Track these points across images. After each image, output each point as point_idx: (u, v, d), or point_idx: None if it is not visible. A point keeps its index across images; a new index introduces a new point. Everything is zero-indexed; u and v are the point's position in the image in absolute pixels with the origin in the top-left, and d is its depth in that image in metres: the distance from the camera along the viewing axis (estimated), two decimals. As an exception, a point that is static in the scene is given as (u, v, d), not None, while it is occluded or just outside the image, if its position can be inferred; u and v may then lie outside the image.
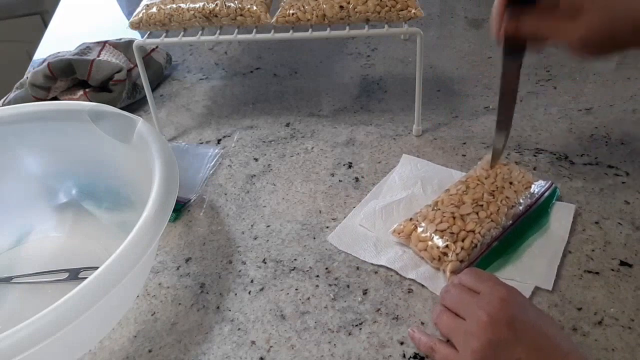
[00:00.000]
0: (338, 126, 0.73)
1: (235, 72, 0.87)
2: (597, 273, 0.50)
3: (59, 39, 1.02)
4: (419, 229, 0.53)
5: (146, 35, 0.68)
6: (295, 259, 0.55)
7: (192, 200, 0.62)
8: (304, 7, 0.64)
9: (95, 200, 0.60)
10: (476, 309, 0.42)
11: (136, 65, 0.72)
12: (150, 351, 0.47)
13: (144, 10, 0.66)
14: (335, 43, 0.92)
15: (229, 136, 0.73)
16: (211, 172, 0.67)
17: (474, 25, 0.94)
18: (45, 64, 0.75)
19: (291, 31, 0.64)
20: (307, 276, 0.53)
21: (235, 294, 0.52)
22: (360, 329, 0.48)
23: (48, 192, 0.61)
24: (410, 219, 0.54)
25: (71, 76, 0.76)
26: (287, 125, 0.74)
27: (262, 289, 0.52)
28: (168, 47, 0.90)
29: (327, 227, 0.58)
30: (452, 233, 0.51)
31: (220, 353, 0.47)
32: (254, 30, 0.65)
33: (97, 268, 0.40)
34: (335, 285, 0.52)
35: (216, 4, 0.65)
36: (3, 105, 0.77)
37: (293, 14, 0.64)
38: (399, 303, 0.49)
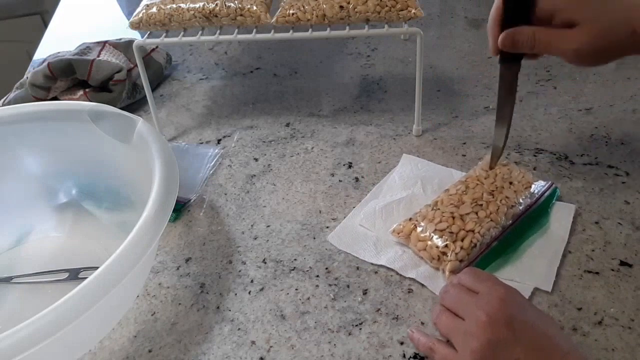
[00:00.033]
0: (338, 126, 0.73)
1: (235, 72, 0.87)
2: (597, 273, 0.50)
3: (59, 39, 1.02)
4: (419, 229, 0.53)
5: (146, 35, 0.68)
6: (295, 259, 0.55)
7: (192, 200, 0.62)
8: (304, 7, 0.64)
9: (95, 200, 0.60)
10: (475, 309, 0.42)
11: (136, 65, 0.72)
12: (150, 351, 0.47)
13: (144, 10, 0.66)
14: (335, 43, 0.92)
15: (229, 136, 0.73)
16: (211, 172, 0.67)
17: (474, 25, 0.94)
18: (45, 64, 0.75)
19: (291, 31, 0.64)
20: (307, 276, 0.53)
21: (235, 294, 0.52)
22: (360, 329, 0.48)
23: (48, 192, 0.61)
24: (410, 219, 0.54)
25: (71, 76, 0.76)
26: (287, 125, 0.74)
27: (262, 289, 0.52)
28: (168, 47, 0.90)
29: (327, 227, 0.58)
30: (452, 233, 0.51)
31: (220, 353, 0.47)
32: (254, 30, 0.65)
33: (97, 268, 0.40)
34: (335, 285, 0.52)
35: (216, 4, 0.65)
36: (3, 105, 0.77)
37: (293, 14, 0.64)
38: (399, 303, 0.49)
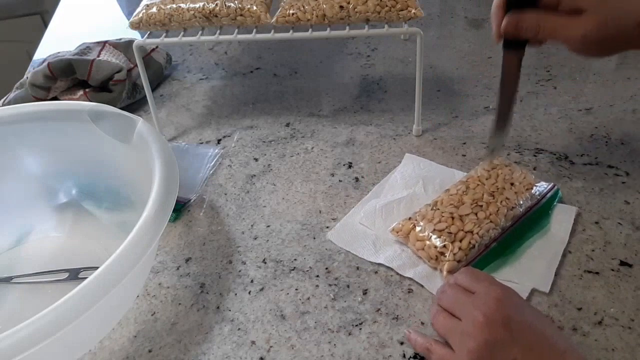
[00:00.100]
0: (338, 126, 0.73)
1: (235, 72, 0.87)
2: (597, 273, 0.50)
3: (59, 39, 1.02)
4: (417, 228, 0.53)
5: (146, 35, 0.68)
6: (295, 259, 0.55)
7: (192, 200, 0.62)
8: (304, 7, 0.64)
9: (95, 200, 0.60)
10: (472, 309, 0.42)
11: (136, 65, 0.72)
12: (150, 351, 0.47)
13: (144, 10, 0.66)
14: (335, 43, 0.92)
15: (229, 136, 0.73)
16: (211, 172, 0.67)
17: (474, 25, 0.94)
18: (45, 64, 0.75)
19: (291, 31, 0.64)
20: (307, 276, 0.53)
21: (235, 294, 0.52)
22: (360, 329, 0.48)
23: (48, 192, 0.61)
24: (409, 218, 0.55)
25: (71, 76, 0.76)
26: (287, 125, 0.74)
27: (262, 289, 0.52)
28: (168, 47, 0.90)
29: (327, 227, 0.58)
30: (450, 233, 0.51)
31: (220, 353, 0.47)
32: (254, 30, 0.65)
33: (97, 268, 0.40)
34: (335, 285, 0.52)
35: (216, 4, 0.65)
36: (3, 105, 0.77)
37: (293, 14, 0.64)
38: (399, 303, 0.49)
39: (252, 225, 0.59)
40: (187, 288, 0.53)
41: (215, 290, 0.52)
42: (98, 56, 0.79)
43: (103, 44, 0.83)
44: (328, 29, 0.64)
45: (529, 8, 0.48)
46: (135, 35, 0.88)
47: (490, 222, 0.52)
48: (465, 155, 0.66)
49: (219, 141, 0.72)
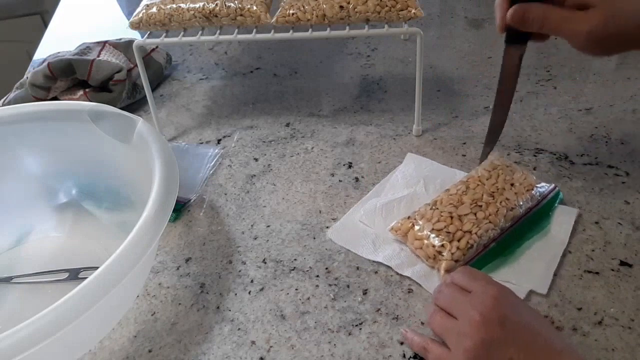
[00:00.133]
0: (338, 126, 0.73)
1: (235, 72, 0.87)
2: (597, 273, 0.50)
3: (59, 39, 1.02)
4: (416, 227, 0.53)
5: (146, 35, 0.68)
6: (295, 259, 0.55)
7: (192, 200, 0.62)
8: (304, 7, 0.64)
9: (95, 200, 0.60)
10: (469, 309, 0.42)
11: (136, 65, 0.72)
12: (150, 351, 0.47)
13: (144, 10, 0.66)
14: (335, 43, 0.92)
15: (229, 136, 0.73)
16: (211, 172, 0.67)
17: (474, 25, 0.94)
18: (45, 64, 0.75)
19: (291, 31, 0.64)
20: (307, 276, 0.53)
21: (235, 294, 0.52)
22: (360, 329, 0.48)
23: (48, 192, 0.61)
24: (408, 217, 0.55)
25: (71, 76, 0.76)
26: (287, 125, 0.74)
27: (262, 289, 0.52)
28: (168, 47, 0.90)
29: (327, 227, 0.58)
30: (449, 232, 0.51)
31: (220, 353, 0.47)
32: (254, 30, 0.65)
33: (97, 268, 0.40)
34: (335, 285, 0.52)
35: (216, 4, 0.65)
36: (3, 105, 0.77)
37: (293, 14, 0.64)
38: (399, 303, 0.49)
39: (252, 225, 0.59)
40: (187, 288, 0.53)
41: (215, 290, 0.52)
42: (98, 56, 0.79)
43: (103, 44, 0.83)
44: (328, 29, 0.64)
45: (535, 0, 0.48)
46: (135, 35, 0.88)
47: (489, 222, 0.52)
48: (465, 155, 0.66)
49: (219, 141, 0.72)
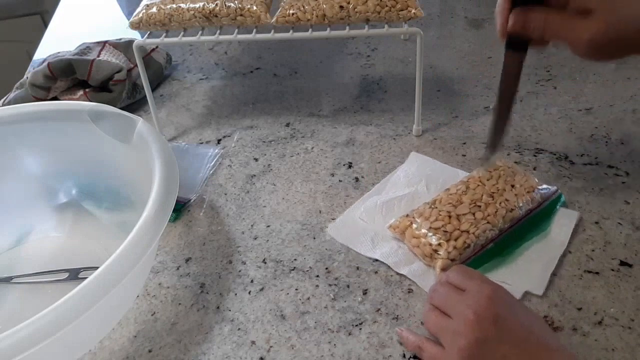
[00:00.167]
0: (338, 126, 0.73)
1: (235, 72, 0.87)
2: (597, 273, 0.50)
3: (59, 39, 1.02)
4: (414, 225, 0.53)
5: (146, 35, 0.68)
6: (295, 259, 0.55)
7: (192, 200, 0.62)
8: (304, 7, 0.64)
9: (95, 200, 0.60)
10: (463, 308, 0.42)
11: (136, 65, 0.72)
12: (150, 351, 0.47)
13: (144, 10, 0.66)
14: (335, 43, 0.92)
15: (229, 136, 0.73)
16: (211, 172, 0.67)
17: (474, 25, 0.94)
18: (45, 64, 0.75)
19: (291, 31, 0.64)
20: (307, 276, 0.53)
21: (235, 294, 0.52)
22: (360, 329, 0.48)
23: (48, 192, 0.61)
24: (407, 215, 0.55)
25: (71, 76, 0.76)
26: (287, 125, 0.74)
27: (262, 289, 0.52)
28: (168, 47, 0.90)
29: (327, 227, 0.58)
30: (446, 232, 0.51)
31: (220, 353, 0.47)
32: (254, 30, 0.65)
33: (97, 268, 0.40)
34: (335, 285, 0.52)
35: (216, 4, 0.65)
36: (3, 105, 0.77)
37: (293, 14, 0.64)
38: (399, 303, 0.49)
39: (252, 225, 0.59)
40: (187, 288, 0.53)
41: (215, 290, 0.52)
42: (98, 56, 0.79)
43: (103, 44, 0.83)
44: (328, 29, 0.64)
45: (536, 6, 0.47)
46: (135, 35, 0.88)
47: (488, 222, 0.52)
48: (465, 155, 0.66)
49: (219, 141, 0.72)
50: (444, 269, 0.50)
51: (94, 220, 0.59)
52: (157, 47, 0.85)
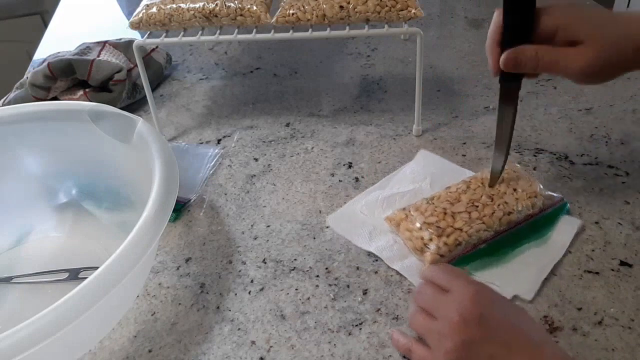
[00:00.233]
0: (338, 126, 0.73)
1: (235, 72, 0.87)
2: (597, 273, 0.50)
3: (59, 39, 1.02)
4: (409, 219, 0.53)
5: (146, 35, 0.68)
6: (295, 259, 0.55)
7: (192, 200, 0.62)
8: (304, 7, 0.64)
9: (95, 200, 0.60)
10: (447, 309, 0.42)
11: (136, 65, 0.72)
12: (150, 351, 0.47)
13: (144, 10, 0.66)
14: (335, 43, 0.92)
15: (229, 136, 0.73)
16: (211, 172, 0.67)
17: (474, 25, 0.94)
18: (45, 64, 0.75)
19: (291, 31, 0.64)
20: (307, 276, 0.53)
21: (235, 294, 0.52)
22: (360, 329, 0.48)
23: (48, 192, 0.61)
24: (404, 209, 0.55)
25: (71, 76, 0.76)
26: (287, 125, 0.74)
27: (262, 289, 0.52)
28: (168, 47, 0.90)
29: (327, 227, 0.58)
30: (439, 227, 0.51)
31: (220, 353, 0.47)
32: (254, 30, 0.65)
33: (97, 268, 0.40)
34: (335, 285, 0.52)
35: (216, 4, 0.65)
36: (3, 105, 0.77)
37: (293, 14, 0.64)
38: (399, 303, 0.49)
39: (252, 225, 0.59)
40: (187, 288, 0.53)
41: (215, 290, 0.52)
42: (98, 56, 0.79)
43: (103, 44, 0.83)
44: (328, 29, 0.64)
45: (525, 43, 0.48)
46: (135, 35, 0.88)
47: (482, 223, 0.52)
48: (465, 155, 0.66)
49: (219, 141, 0.72)
50: (433, 264, 0.50)
51: (94, 220, 0.59)
52: (157, 47, 0.85)
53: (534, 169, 0.62)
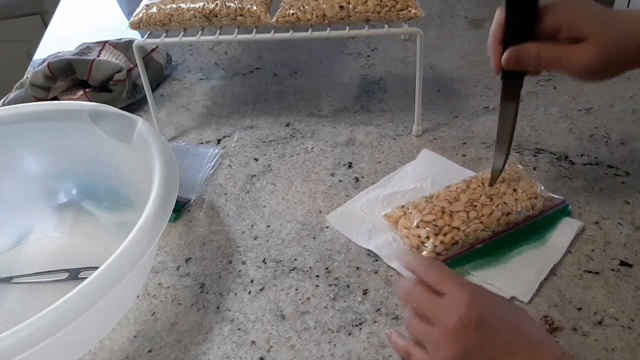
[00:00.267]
0: (338, 126, 0.73)
1: (235, 72, 0.87)
2: (597, 273, 0.50)
3: (59, 39, 1.02)
4: (407, 216, 0.53)
5: (146, 35, 0.68)
6: (295, 259, 0.55)
7: (192, 200, 0.62)
8: (304, 7, 0.64)
9: (95, 200, 0.60)
10: (443, 315, 0.41)
11: (136, 65, 0.72)
12: (150, 351, 0.47)
13: (144, 10, 0.66)
14: (335, 43, 0.92)
15: (229, 136, 0.73)
16: (211, 172, 0.67)
17: (474, 25, 0.94)
18: (45, 64, 0.75)
19: (291, 31, 0.64)
20: (307, 276, 0.53)
21: (235, 294, 0.52)
22: (360, 329, 0.48)
23: (48, 192, 0.61)
24: (402, 206, 0.55)
25: (71, 76, 0.76)
26: (287, 125, 0.74)
27: (262, 289, 0.52)
28: (168, 47, 0.90)
29: (327, 227, 0.58)
30: (436, 226, 0.51)
31: (220, 353, 0.47)
32: (254, 30, 0.65)
33: (97, 268, 0.40)
34: (335, 285, 0.52)
35: (216, 4, 0.65)
36: (3, 105, 0.77)
37: (293, 14, 0.64)
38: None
39: (252, 225, 0.59)
40: (187, 288, 0.53)
41: (215, 290, 0.52)
42: (98, 56, 0.79)
43: (103, 44, 0.83)
44: (328, 29, 0.64)
45: (528, 40, 0.48)
46: (135, 35, 0.88)
47: (480, 223, 0.52)
48: (465, 155, 0.66)
49: (219, 141, 0.72)
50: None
51: (94, 220, 0.59)
52: (157, 47, 0.85)
53: (534, 169, 0.62)
